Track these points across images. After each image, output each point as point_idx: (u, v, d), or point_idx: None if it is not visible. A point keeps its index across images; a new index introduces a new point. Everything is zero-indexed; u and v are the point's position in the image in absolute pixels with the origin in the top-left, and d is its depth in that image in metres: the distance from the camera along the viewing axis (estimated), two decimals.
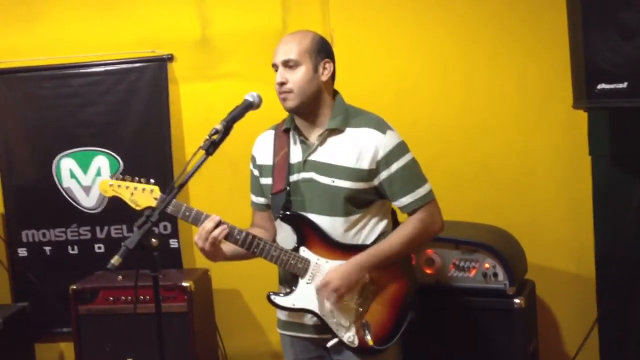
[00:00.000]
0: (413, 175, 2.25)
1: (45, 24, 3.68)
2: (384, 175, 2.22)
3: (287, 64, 2.21)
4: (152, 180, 2.25)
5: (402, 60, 3.42)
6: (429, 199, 2.26)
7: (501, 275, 2.73)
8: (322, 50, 2.24)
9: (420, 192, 2.24)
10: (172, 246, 3.65)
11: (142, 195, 2.22)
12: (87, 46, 3.64)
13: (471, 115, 3.37)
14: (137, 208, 2.23)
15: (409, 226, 2.25)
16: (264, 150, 2.36)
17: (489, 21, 3.31)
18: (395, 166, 2.21)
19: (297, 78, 2.20)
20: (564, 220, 3.29)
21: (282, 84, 2.21)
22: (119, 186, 2.26)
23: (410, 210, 2.24)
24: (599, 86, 2.50)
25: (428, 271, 2.82)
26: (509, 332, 2.70)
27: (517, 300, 2.69)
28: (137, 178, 2.26)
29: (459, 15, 3.34)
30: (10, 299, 3.81)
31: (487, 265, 2.74)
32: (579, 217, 3.22)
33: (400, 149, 2.24)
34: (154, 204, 2.19)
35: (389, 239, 2.24)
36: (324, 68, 2.24)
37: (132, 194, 2.24)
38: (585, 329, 3.03)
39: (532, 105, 3.30)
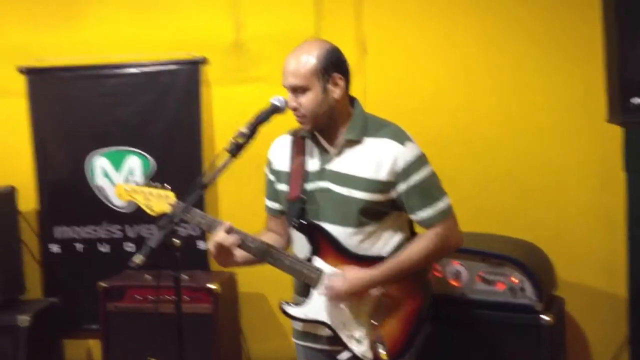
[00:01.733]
0: (432, 189, 2.20)
1: (83, 24, 3.75)
2: (402, 187, 2.17)
3: (294, 89, 2.15)
4: (167, 186, 2.25)
5: (433, 68, 3.39)
6: (448, 214, 2.20)
7: (529, 291, 2.67)
8: (330, 66, 2.14)
9: (440, 206, 2.19)
10: (199, 247, 3.67)
11: (157, 200, 2.23)
12: (123, 47, 3.70)
13: (499, 125, 3.32)
14: (152, 213, 2.24)
15: (427, 240, 2.20)
16: (280, 156, 2.32)
17: (521, 31, 3.26)
18: (414, 179, 2.16)
19: (307, 103, 2.14)
20: (595, 236, 3.22)
21: (294, 109, 2.17)
22: (135, 191, 2.27)
23: (429, 224, 2.19)
24: (633, 100, 2.43)
25: (454, 283, 2.77)
26: (536, 349, 2.64)
27: (545, 317, 2.63)
28: (152, 183, 2.27)
29: (489, 25, 3.30)
30: (41, 293, 3.87)
31: (514, 280, 2.69)
32: (611, 232, 3.14)
33: (420, 161, 2.18)
34: (168, 209, 2.19)
35: (406, 252, 2.19)
36: (335, 84, 2.15)
37: (147, 199, 2.25)
38: (616, 347, 2.95)
39: (562, 116, 3.24)
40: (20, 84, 3.76)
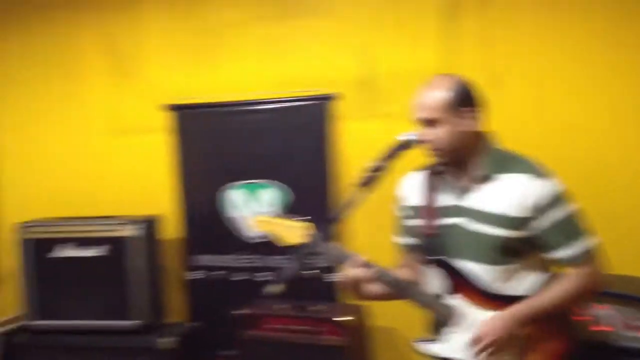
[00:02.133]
0: (573, 227, 2.10)
1: (225, 64, 3.95)
2: (539, 224, 2.09)
3: (426, 122, 2.14)
4: (301, 218, 2.28)
5: (567, 101, 3.27)
6: (591, 254, 2.09)
7: None
8: (462, 100, 2.12)
9: (582, 245, 2.08)
10: (330, 280, 3.70)
11: (291, 232, 2.25)
12: (260, 85, 3.86)
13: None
14: (286, 245, 2.27)
15: (569, 281, 2.10)
16: (412, 192, 2.32)
17: None
18: (552, 216, 2.08)
19: (438, 137, 2.13)
20: None
21: (425, 142, 2.16)
22: (270, 222, 2.32)
23: (570, 264, 2.10)
24: None
25: (598, 328, 2.60)
26: None
27: None
28: (287, 215, 2.32)
29: (633, 56, 3.12)
30: (183, 318, 4.04)
31: None
32: None
33: (560, 197, 2.10)
34: (302, 241, 2.21)
35: (546, 293, 2.11)
36: (467, 118, 2.13)
37: (281, 230, 2.28)
38: None
39: None
40: (160, 120, 3.99)
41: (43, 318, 3.87)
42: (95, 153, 4.25)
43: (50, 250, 3.86)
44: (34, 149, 4.35)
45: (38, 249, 3.87)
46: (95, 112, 4.22)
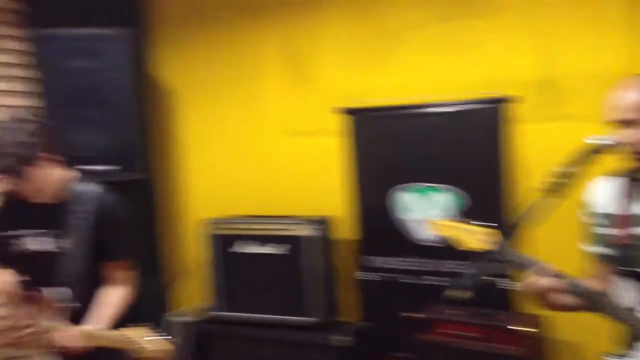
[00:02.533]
0: None
1: (400, 66, 3.97)
2: None
3: (624, 123, 2.03)
4: (485, 223, 2.23)
5: None
6: None
7: None
8: None
9: None
10: (505, 287, 3.60)
11: (474, 237, 2.20)
12: (432, 87, 3.84)
13: None
14: (467, 249, 2.22)
15: None
16: (602, 198, 2.21)
17: None
18: None
19: (638, 138, 2.02)
20: None
21: (623, 144, 2.05)
22: (450, 226, 2.28)
23: None
24: None
25: None
26: None
27: None
28: (469, 220, 2.28)
29: None
30: (355, 318, 4.12)
31: None
32: None
33: None
34: (483, 247, 2.16)
35: None
36: None
37: (462, 234, 2.23)
38: None
39: None
40: (334, 122, 4.09)
41: (227, 310, 4.14)
42: (271, 154, 4.45)
43: (233, 245, 4.11)
44: (216, 150, 4.63)
45: (223, 244, 4.15)
46: (272, 114, 4.41)
